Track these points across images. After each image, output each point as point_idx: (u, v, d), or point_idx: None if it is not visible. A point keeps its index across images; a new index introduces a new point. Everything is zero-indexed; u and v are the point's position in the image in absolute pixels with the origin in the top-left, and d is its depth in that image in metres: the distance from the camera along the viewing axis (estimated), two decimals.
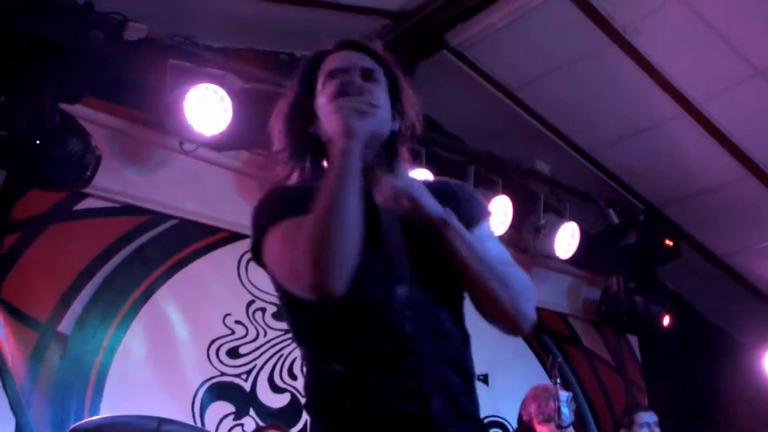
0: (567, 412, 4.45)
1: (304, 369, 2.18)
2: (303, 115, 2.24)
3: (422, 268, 2.13)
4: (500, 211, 6.26)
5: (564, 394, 4.50)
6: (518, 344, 6.82)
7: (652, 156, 6.57)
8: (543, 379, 6.50)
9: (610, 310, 7.26)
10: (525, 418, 5.14)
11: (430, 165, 5.82)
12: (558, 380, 4.51)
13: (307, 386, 2.16)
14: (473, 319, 6.51)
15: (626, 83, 6.10)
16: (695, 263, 7.43)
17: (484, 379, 6.46)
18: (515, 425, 5.19)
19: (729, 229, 7.13)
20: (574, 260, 6.96)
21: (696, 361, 7.73)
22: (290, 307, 2.17)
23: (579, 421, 6.67)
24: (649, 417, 5.77)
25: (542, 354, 6.89)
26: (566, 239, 6.65)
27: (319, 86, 2.24)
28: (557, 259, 6.74)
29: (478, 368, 6.77)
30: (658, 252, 6.92)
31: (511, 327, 2.17)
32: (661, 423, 5.81)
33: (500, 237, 6.33)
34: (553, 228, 6.60)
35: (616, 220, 7.12)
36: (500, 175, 6.44)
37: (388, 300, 2.07)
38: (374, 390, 2.02)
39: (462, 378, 2.16)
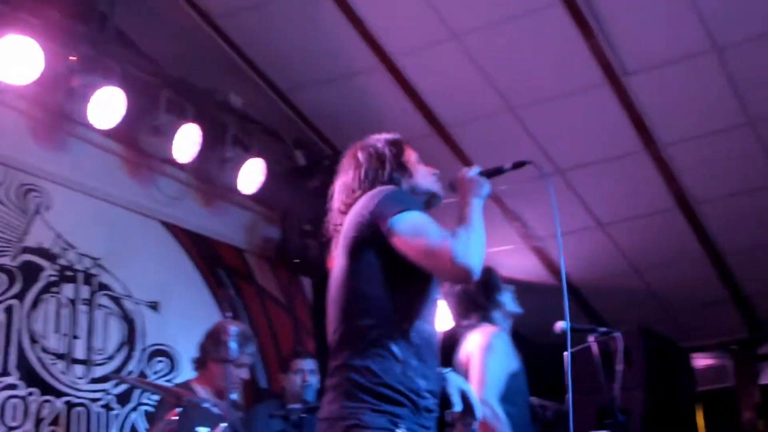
0: (234, 346, 4.55)
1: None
2: (408, 166, 3.22)
3: None
4: (188, 140, 6.24)
5: (233, 329, 4.59)
6: (191, 275, 6.86)
7: (344, 103, 6.77)
8: (214, 310, 6.61)
9: (285, 250, 7.44)
10: (201, 351, 5.29)
11: (124, 84, 5.70)
12: (229, 314, 4.59)
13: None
14: (146, 244, 6.44)
15: (328, 28, 6.24)
16: None
17: (155, 307, 6.45)
18: (183, 354, 5.23)
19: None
20: (257, 197, 7.06)
21: None
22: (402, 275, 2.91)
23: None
24: (305, 364, 5.91)
25: (215, 286, 6.95)
26: (251, 175, 6.71)
27: (410, 158, 3.26)
28: (240, 193, 6.80)
29: (149, 295, 6.78)
30: None
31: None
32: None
33: (186, 166, 6.38)
34: (239, 162, 6.64)
35: (302, 161, 7.28)
36: (192, 103, 6.39)
37: None
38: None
39: None
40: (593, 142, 7.02)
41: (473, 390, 3.22)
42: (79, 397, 5.78)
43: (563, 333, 4.79)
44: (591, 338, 4.99)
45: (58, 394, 5.66)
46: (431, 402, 2.92)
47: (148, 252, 6.55)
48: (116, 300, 6.21)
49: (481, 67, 6.40)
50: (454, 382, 3.12)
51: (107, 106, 5.69)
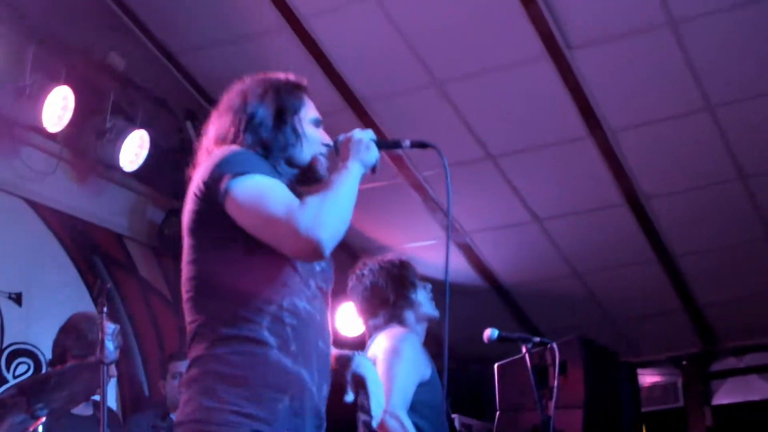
0: (111, 347, 4.48)
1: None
2: (291, 130, 3.05)
3: None
4: (59, 105, 6.14)
5: (110, 326, 4.52)
6: (61, 263, 6.78)
7: (243, 68, 6.70)
8: (88, 305, 6.52)
9: (172, 235, 7.33)
10: (58, 349, 5.08)
11: None
12: (105, 309, 4.53)
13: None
14: (6, 226, 6.32)
15: None
16: None
17: (17, 299, 6.35)
18: (50, 355, 5.13)
19: None
20: (141, 175, 6.99)
21: None
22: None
23: (124, 359, 6.73)
24: (184, 366, 5.91)
25: (90, 277, 6.88)
26: (134, 149, 6.66)
27: (305, 118, 3.10)
28: (120, 170, 6.74)
29: (10, 285, 6.66)
30: None
31: None
32: None
33: (56, 136, 6.28)
34: (120, 134, 6.57)
35: (194, 135, 7.22)
36: (65, 62, 6.29)
37: None
38: None
39: None
40: (530, 124, 7.08)
41: (380, 383, 3.15)
42: None
43: (492, 342, 4.85)
44: (524, 349, 5.04)
45: None
46: (316, 399, 2.83)
47: (9, 235, 6.45)
48: None
49: (403, 33, 6.41)
50: (358, 366, 3.09)
51: None
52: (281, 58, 6.58)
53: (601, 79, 6.62)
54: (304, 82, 3.19)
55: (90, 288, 6.81)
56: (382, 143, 3.12)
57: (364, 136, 3.04)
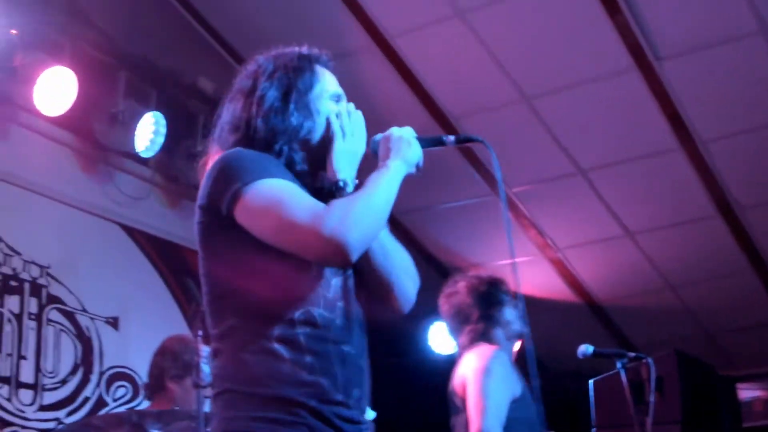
0: (207, 370, 4.50)
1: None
2: (304, 110, 2.77)
3: None
4: (150, 129, 6.22)
5: (206, 349, 4.55)
6: (156, 286, 6.85)
7: None
8: (182, 328, 6.58)
9: None
10: (155, 371, 5.05)
11: (76, 64, 5.68)
12: (200, 332, 4.56)
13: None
14: (102, 250, 6.39)
15: (315, 4, 6.25)
16: None
17: (114, 323, 6.43)
18: (146, 378, 5.17)
19: (409, 182, 7.47)
20: None
21: None
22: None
23: None
24: None
25: (184, 300, 6.94)
26: None
27: (322, 94, 2.83)
28: None
29: (107, 310, 6.73)
30: None
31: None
32: None
33: (149, 161, 6.35)
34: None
35: None
36: (156, 87, 6.37)
37: None
38: None
39: None
40: (620, 137, 7.01)
41: None
42: (26, 427, 5.76)
43: (587, 358, 4.80)
44: (619, 365, 4.96)
45: (3, 423, 5.63)
46: (343, 406, 2.61)
47: (105, 259, 6.53)
48: (69, 315, 6.19)
49: (490, 50, 6.39)
50: None
51: (56, 89, 5.67)
52: (370, 79, 6.60)
53: (691, 89, 6.53)
54: (319, 52, 2.94)
55: (184, 311, 6.86)
56: (425, 140, 2.84)
57: (404, 132, 2.80)
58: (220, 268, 2.65)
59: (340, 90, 2.90)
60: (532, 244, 7.96)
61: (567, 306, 8.29)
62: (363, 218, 2.52)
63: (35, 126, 6.11)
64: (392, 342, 8.27)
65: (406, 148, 2.76)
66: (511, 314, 4.71)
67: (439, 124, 6.93)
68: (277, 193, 2.55)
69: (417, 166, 2.79)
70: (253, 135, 2.73)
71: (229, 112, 2.85)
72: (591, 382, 6.50)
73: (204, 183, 2.67)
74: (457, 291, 4.77)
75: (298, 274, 2.62)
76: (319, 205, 2.53)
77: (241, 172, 2.57)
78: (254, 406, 2.54)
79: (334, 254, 2.49)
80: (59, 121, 6.07)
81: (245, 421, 2.53)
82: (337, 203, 2.55)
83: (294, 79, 2.81)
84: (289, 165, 2.71)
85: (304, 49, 2.92)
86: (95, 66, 6.04)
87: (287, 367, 2.55)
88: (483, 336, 4.62)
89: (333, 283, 2.68)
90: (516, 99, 6.72)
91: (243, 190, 2.54)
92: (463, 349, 4.65)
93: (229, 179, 2.57)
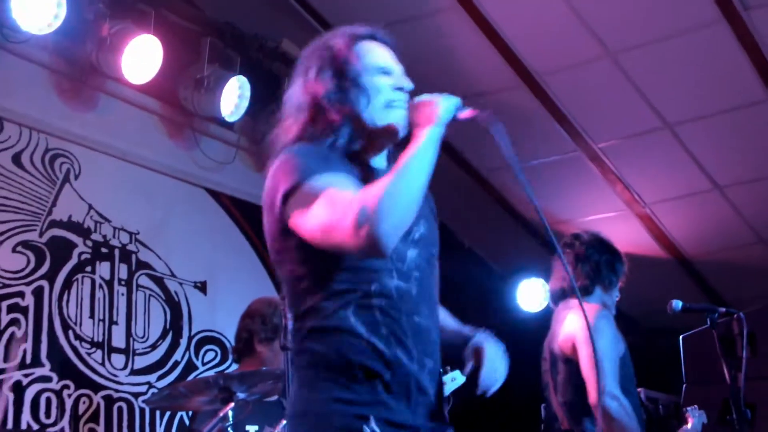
0: None
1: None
2: (354, 88, 2.83)
3: None
4: (235, 94, 6.26)
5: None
6: (243, 250, 6.91)
7: (415, 50, 6.72)
8: (270, 291, 6.61)
9: None
10: (244, 334, 5.14)
11: (161, 32, 5.72)
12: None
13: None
14: (190, 216, 6.44)
15: None
16: (455, 177, 7.70)
17: (202, 287, 6.51)
18: (235, 342, 5.22)
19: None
20: None
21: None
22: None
23: None
24: None
25: (270, 263, 6.96)
26: None
27: (368, 68, 2.87)
28: None
29: (195, 274, 6.78)
30: None
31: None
32: None
33: (234, 125, 6.38)
34: None
35: None
36: (240, 52, 6.40)
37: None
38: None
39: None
40: (707, 90, 6.87)
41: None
42: (119, 391, 5.86)
43: (676, 314, 4.76)
44: (709, 320, 4.90)
45: (96, 387, 5.73)
46: (417, 376, 2.68)
47: (192, 225, 6.60)
48: (158, 280, 6.28)
49: (573, 6, 6.29)
50: (478, 342, 2.94)
51: (142, 57, 5.72)
52: (454, 39, 6.56)
53: None
54: (368, 29, 3.00)
55: (272, 274, 6.90)
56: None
57: (427, 97, 2.80)
58: (290, 256, 2.75)
59: (389, 63, 2.93)
60: (619, 200, 7.88)
61: (656, 262, 8.20)
62: (394, 205, 2.52)
63: (123, 94, 6.19)
64: (482, 299, 8.28)
65: (440, 109, 2.74)
66: (617, 289, 4.76)
67: (525, 83, 6.86)
68: (310, 197, 2.61)
69: (454, 117, 2.77)
70: (315, 116, 2.85)
71: (292, 95, 2.98)
72: (681, 337, 6.43)
73: (267, 185, 2.80)
74: (583, 243, 4.83)
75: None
76: (349, 198, 2.54)
77: (284, 180, 2.69)
78: (333, 386, 2.62)
79: (371, 249, 2.51)
80: (145, 89, 6.14)
81: (327, 403, 2.61)
82: (365, 194, 2.54)
83: (337, 59, 2.89)
84: (347, 144, 2.81)
85: (349, 28, 2.99)
86: (179, 33, 6.09)
87: (364, 341, 2.63)
88: (591, 292, 4.69)
89: (408, 254, 2.75)
90: (601, 54, 6.62)
91: (285, 201, 2.67)
92: (562, 297, 4.68)
93: (277, 189, 2.70)
